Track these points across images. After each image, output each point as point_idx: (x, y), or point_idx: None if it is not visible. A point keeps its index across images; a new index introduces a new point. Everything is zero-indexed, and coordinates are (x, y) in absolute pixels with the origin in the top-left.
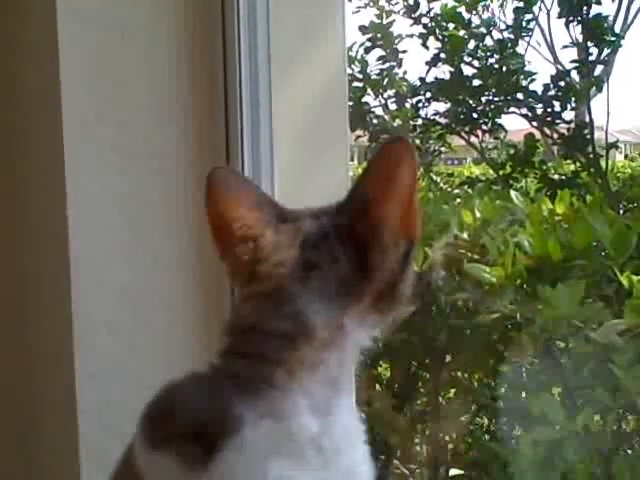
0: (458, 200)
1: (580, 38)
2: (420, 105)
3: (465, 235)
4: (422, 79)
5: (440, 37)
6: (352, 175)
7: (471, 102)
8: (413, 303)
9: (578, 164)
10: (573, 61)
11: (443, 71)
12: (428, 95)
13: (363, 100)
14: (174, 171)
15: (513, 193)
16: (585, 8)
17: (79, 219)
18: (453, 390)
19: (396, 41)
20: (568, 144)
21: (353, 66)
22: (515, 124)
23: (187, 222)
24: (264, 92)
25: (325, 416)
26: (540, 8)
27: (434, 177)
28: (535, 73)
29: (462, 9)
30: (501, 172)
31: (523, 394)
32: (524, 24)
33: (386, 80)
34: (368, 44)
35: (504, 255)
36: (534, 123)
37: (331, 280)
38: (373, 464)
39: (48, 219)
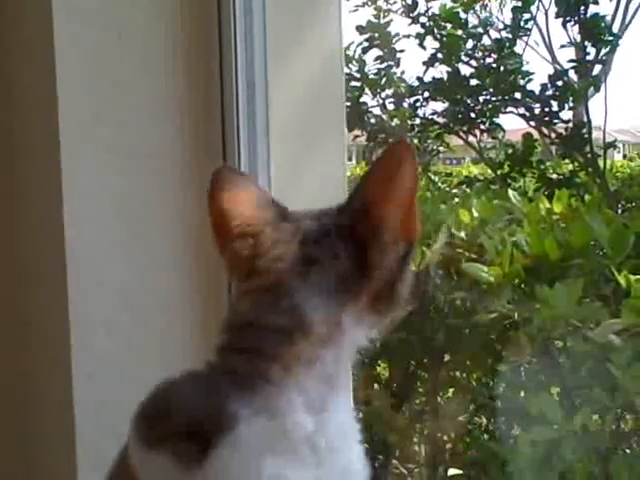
0: (456, 200)
1: (578, 38)
2: (418, 105)
3: (463, 235)
4: (420, 79)
5: (438, 37)
6: (349, 174)
7: (469, 102)
8: (411, 303)
9: (576, 164)
10: (570, 60)
11: (440, 71)
12: (426, 95)
13: (361, 100)
14: (171, 170)
15: (511, 192)
16: (582, 8)
17: (76, 219)
18: (451, 390)
19: (394, 41)
20: (566, 144)
21: (351, 65)
22: (513, 124)
23: (184, 222)
24: (260, 90)
25: (320, 413)
26: (538, 8)
27: (432, 177)
28: (532, 73)
29: (460, 9)
30: (499, 172)
31: (521, 394)
32: (522, 24)
33: (384, 80)
34: (366, 44)
35: (502, 254)
36: (532, 123)
37: (330, 276)
38: (368, 463)
39: (45, 220)
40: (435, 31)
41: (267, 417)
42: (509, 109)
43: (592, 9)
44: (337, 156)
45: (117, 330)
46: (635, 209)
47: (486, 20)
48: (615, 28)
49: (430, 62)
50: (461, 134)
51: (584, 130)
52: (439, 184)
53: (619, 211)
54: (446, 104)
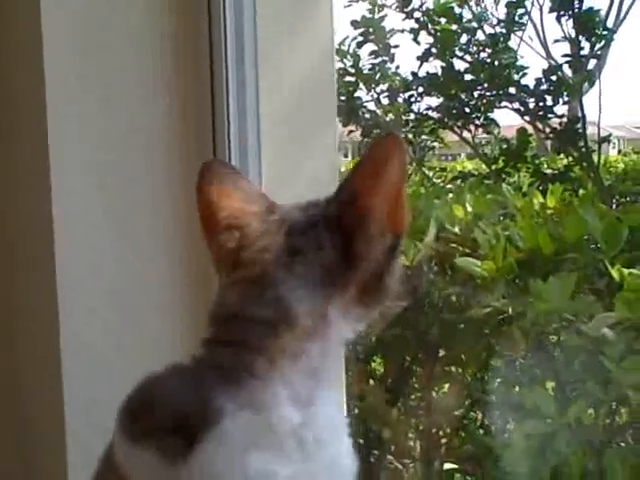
0: (450, 195)
1: (572, 32)
2: (412, 100)
3: (456, 229)
4: (414, 74)
5: (432, 32)
6: (344, 170)
7: (463, 97)
8: (405, 298)
9: (570, 158)
10: (565, 55)
11: (435, 66)
12: (420, 90)
13: (355, 95)
14: (160, 166)
15: (504, 187)
16: (577, 2)
17: (64, 216)
18: (446, 384)
19: (388, 36)
20: (560, 138)
21: (345, 60)
22: (508, 120)
23: (175, 218)
24: (250, 83)
25: (307, 407)
26: (532, 3)
27: (427, 172)
28: (527, 67)
29: (454, 4)
30: (494, 167)
31: (516, 388)
32: (516, 19)
33: (378, 75)
34: (360, 38)
35: (495, 249)
36: (526, 117)
37: (315, 267)
38: (360, 457)
39: (34, 220)
40: (429, 26)
41: (252, 411)
42: (503, 104)
43: (587, 3)
44: (328, 150)
45: (107, 328)
46: (629, 204)
47: (480, 15)
48: (610, 23)
49: (424, 57)
50: (456, 129)
51: (578, 125)
52: (433, 179)
53: (613, 206)
54: (440, 99)
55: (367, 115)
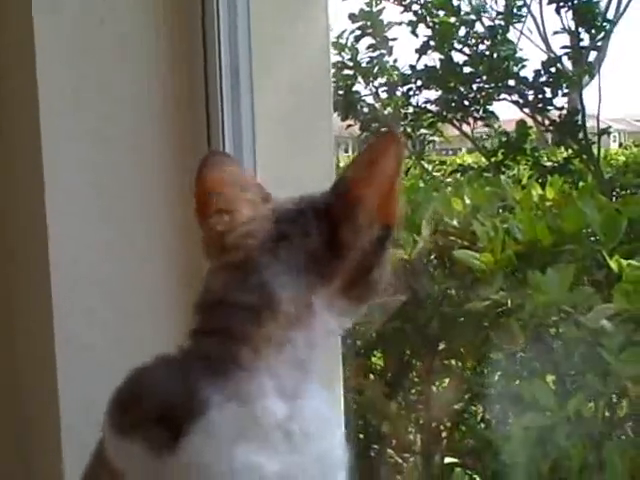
0: (449, 188)
1: (572, 24)
2: (411, 93)
3: (455, 222)
4: (413, 67)
5: (430, 24)
6: (343, 165)
7: (462, 89)
8: (404, 292)
9: (570, 151)
10: (564, 47)
11: (433, 58)
12: (419, 83)
13: (354, 89)
14: (154, 165)
15: (503, 179)
16: None
17: (58, 210)
18: (446, 378)
19: (386, 29)
20: (560, 130)
21: (343, 54)
22: (507, 113)
23: (170, 212)
24: (244, 76)
25: (293, 400)
26: None
27: (426, 165)
28: (526, 60)
29: None
30: (493, 159)
31: (515, 381)
32: (515, 10)
33: (376, 68)
34: (358, 32)
35: (493, 241)
36: (526, 110)
37: (300, 254)
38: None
39: (28, 215)
40: (427, 19)
41: (238, 403)
42: (502, 96)
43: None
44: (325, 146)
45: (102, 327)
46: (629, 196)
47: (479, 7)
48: (610, 15)
49: (423, 50)
50: (455, 122)
51: (578, 117)
52: (433, 173)
53: (614, 199)
54: (439, 92)
55: (365, 109)
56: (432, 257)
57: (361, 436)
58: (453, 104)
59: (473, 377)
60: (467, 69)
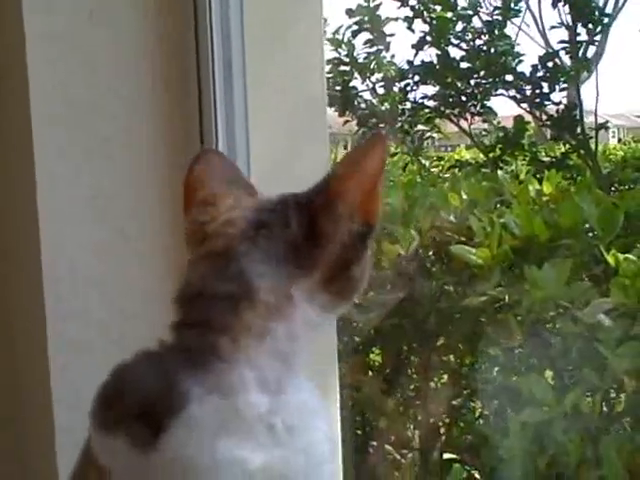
0: (447, 184)
1: (569, 18)
2: (408, 89)
3: (452, 217)
4: (410, 62)
5: (427, 20)
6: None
7: (459, 85)
8: (402, 290)
9: (568, 146)
10: (561, 41)
11: (430, 54)
12: (416, 79)
13: (351, 85)
14: (148, 157)
15: (500, 174)
16: None
17: (50, 210)
18: (443, 373)
19: (383, 24)
20: (557, 125)
21: (340, 50)
22: (505, 109)
23: (163, 210)
24: (237, 72)
25: (276, 394)
26: None
27: (423, 161)
28: (523, 54)
29: None
30: (491, 155)
31: (512, 376)
32: (513, 5)
33: (373, 64)
34: (355, 27)
35: (490, 236)
36: (523, 105)
37: (279, 243)
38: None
39: (19, 214)
40: (424, 14)
41: (219, 395)
42: (500, 91)
43: None
44: (319, 140)
45: (95, 323)
46: (626, 190)
47: (475, 2)
48: (609, 9)
49: (419, 45)
50: (452, 118)
51: (576, 112)
52: (430, 169)
53: (612, 194)
54: (437, 88)
55: (363, 105)
56: (429, 253)
57: (359, 432)
58: (450, 100)
59: (471, 373)
60: (464, 64)
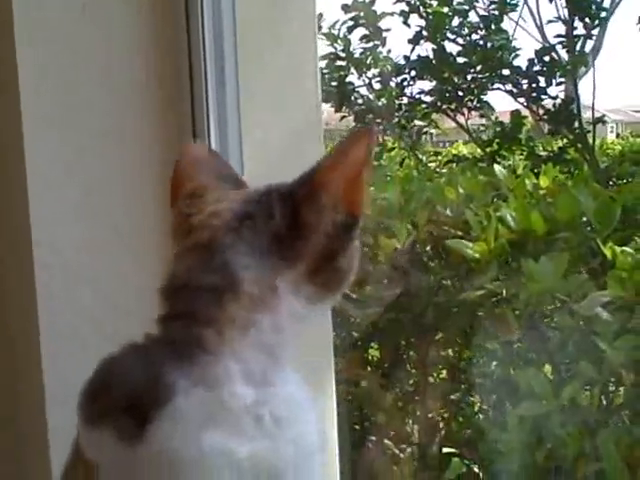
0: (443, 179)
1: (566, 12)
2: (405, 84)
3: (448, 212)
4: (407, 57)
5: (423, 14)
6: None
7: (456, 80)
8: (399, 285)
9: (565, 140)
10: (557, 36)
11: (426, 49)
12: (413, 74)
13: (347, 80)
14: (141, 153)
15: (497, 168)
16: None
17: (41, 206)
18: (442, 368)
19: (379, 19)
20: (555, 119)
21: (336, 45)
22: (503, 105)
23: (157, 207)
24: (230, 72)
25: (262, 386)
26: None
27: (420, 156)
28: (519, 49)
29: None
30: (488, 150)
31: (510, 370)
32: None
33: (370, 59)
34: (351, 23)
35: (486, 230)
36: (520, 100)
37: (263, 234)
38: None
39: (10, 212)
40: (420, 9)
41: (205, 388)
42: (497, 86)
43: None
44: (314, 137)
45: (89, 320)
46: (624, 184)
47: None
48: (606, 3)
49: (415, 40)
50: (449, 113)
51: (573, 106)
52: (427, 164)
53: (610, 188)
54: (433, 83)
55: (359, 100)
56: (426, 247)
57: (357, 427)
58: (447, 95)
59: (469, 367)
60: (461, 59)
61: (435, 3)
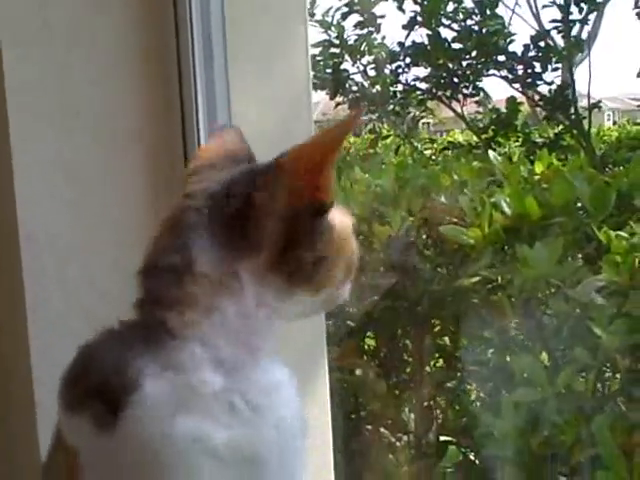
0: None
1: None
2: (400, 71)
3: (443, 198)
4: (401, 44)
5: (418, 0)
6: None
7: (451, 66)
8: (393, 274)
9: (561, 127)
10: (553, 21)
11: (421, 34)
12: (407, 61)
13: (342, 67)
14: (129, 140)
15: (491, 153)
16: None
17: (28, 197)
18: (438, 356)
19: (373, 5)
20: (550, 105)
21: (330, 32)
22: (498, 92)
23: (147, 196)
24: (219, 53)
25: (232, 373)
26: None
27: (416, 144)
28: (514, 34)
29: None
30: (483, 136)
31: (505, 356)
32: None
33: (364, 46)
34: (345, 9)
35: (481, 215)
36: (516, 86)
37: (220, 216)
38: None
39: None
40: None
41: (174, 372)
42: (492, 72)
43: None
44: (304, 122)
45: (79, 308)
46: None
47: None
48: None
49: (410, 25)
50: (444, 100)
51: (568, 92)
52: (422, 151)
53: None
54: (428, 70)
55: (354, 87)
56: (421, 234)
57: (353, 416)
58: (442, 81)
59: (465, 355)
60: (456, 45)
61: None
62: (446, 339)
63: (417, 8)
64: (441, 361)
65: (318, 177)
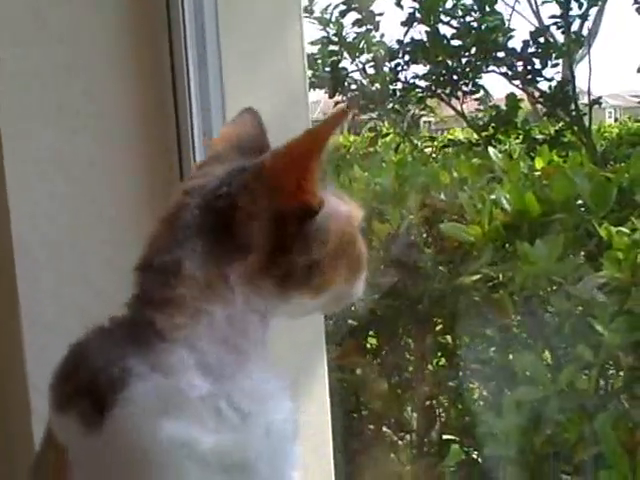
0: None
1: None
2: (399, 69)
3: (442, 195)
4: (400, 41)
5: None
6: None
7: (450, 63)
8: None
9: (562, 123)
10: (552, 16)
11: (420, 31)
12: (406, 58)
13: (340, 65)
14: (123, 133)
15: (491, 150)
16: None
17: (19, 192)
18: (439, 354)
19: (371, 2)
20: (550, 101)
21: (328, 29)
22: (498, 89)
23: (141, 187)
24: (211, 45)
25: (220, 379)
26: None
27: (415, 141)
28: (514, 30)
29: None
30: (484, 134)
31: (507, 354)
32: None
33: (362, 43)
34: (343, 7)
35: (481, 213)
36: (516, 82)
37: (209, 217)
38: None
39: None
40: None
41: (162, 375)
42: (491, 68)
43: None
44: (301, 121)
45: (72, 307)
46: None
47: None
48: None
49: (408, 22)
50: (444, 97)
51: (569, 88)
52: (422, 149)
53: None
54: (427, 67)
55: (353, 86)
56: (422, 231)
57: (355, 415)
58: (442, 78)
59: (467, 353)
60: (455, 42)
61: None
62: (448, 337)
63: (416, 5)
64: (443, 359)
65: (302, 178)
